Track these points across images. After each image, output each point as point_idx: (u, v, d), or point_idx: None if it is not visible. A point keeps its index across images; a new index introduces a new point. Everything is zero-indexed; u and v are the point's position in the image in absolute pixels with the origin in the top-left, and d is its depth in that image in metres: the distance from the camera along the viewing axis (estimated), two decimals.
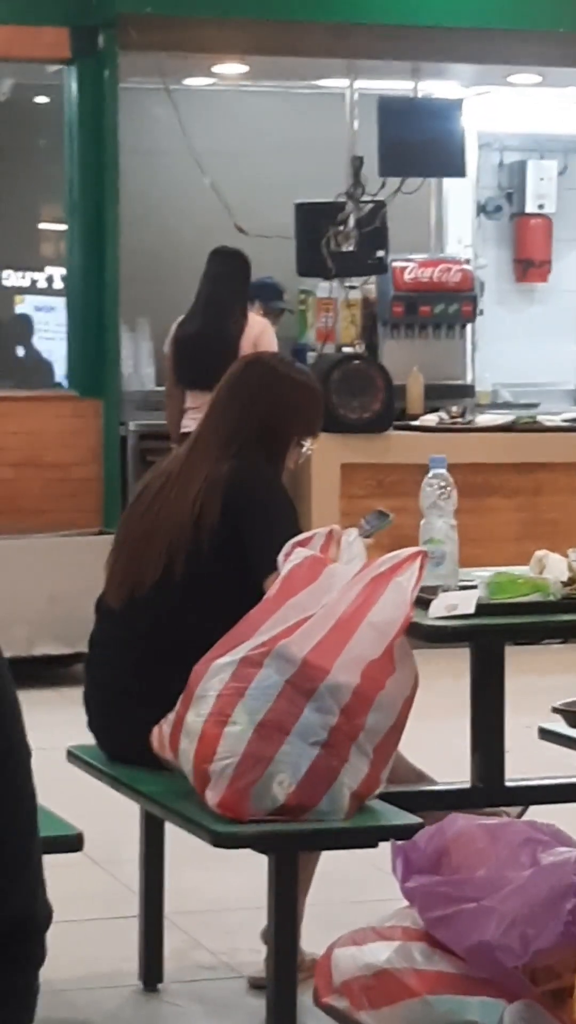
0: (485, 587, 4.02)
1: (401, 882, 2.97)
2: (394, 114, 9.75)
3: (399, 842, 3.07)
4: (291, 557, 3.97)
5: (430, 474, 4.28)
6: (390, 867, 3.05)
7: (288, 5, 9.09)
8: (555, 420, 9.51)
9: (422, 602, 3.90)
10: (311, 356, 9.43)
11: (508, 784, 4.50)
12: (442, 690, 5.20)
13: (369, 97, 9.97)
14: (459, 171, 10.05)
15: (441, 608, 3.96)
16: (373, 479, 8.84)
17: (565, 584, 4.06)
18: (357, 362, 9.13)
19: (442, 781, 4.63)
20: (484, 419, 9.47)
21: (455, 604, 4.01)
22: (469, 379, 10.52)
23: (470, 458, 8.65)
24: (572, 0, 9.36)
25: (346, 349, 9.43)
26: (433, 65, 9.94)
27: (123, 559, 4.18)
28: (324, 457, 8.44)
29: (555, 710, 4.30)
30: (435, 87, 10.22)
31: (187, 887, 4.80)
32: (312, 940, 3.92)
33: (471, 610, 3.97)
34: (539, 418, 9.54)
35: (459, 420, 9.18)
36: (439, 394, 9.72)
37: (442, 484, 4.29)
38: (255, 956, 4.28)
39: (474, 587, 4.08)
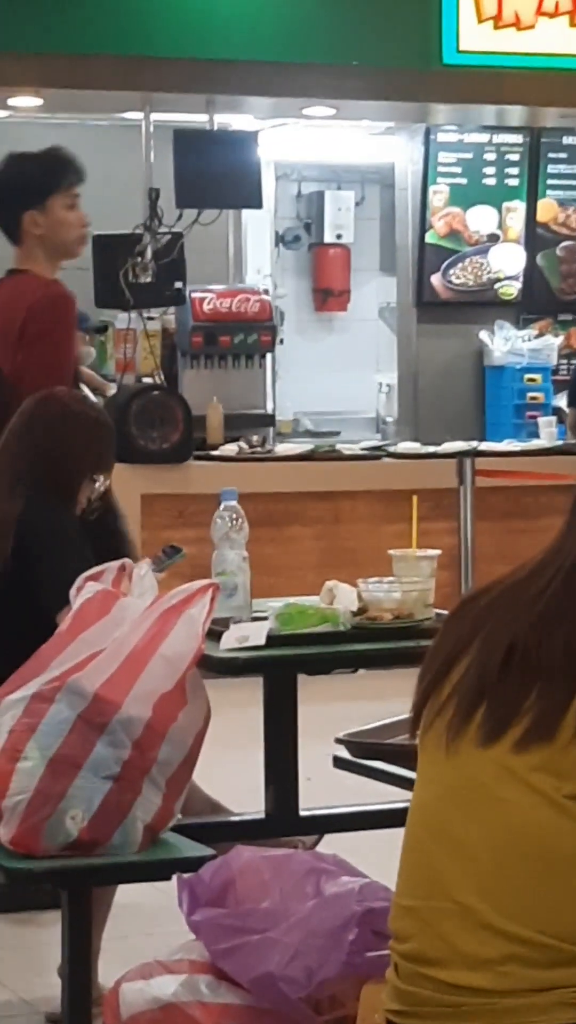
0: (275, 618, 4.00)
1: (187, 915, 2.96)
2: (190, 146, 9.70)
3: (185, 876, 3.06)
4: (83, 591, 3.94)
5: (221, 506, 4.28)
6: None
7: (82, 38, 9.10)
8: (354, 448, 9.55)
9: (214, 634, 3.90)
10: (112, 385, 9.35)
11: (302, 814, 4.49)
12: (237, 720, 5.17)
13: (165, 129, 9.89)
14: (256, 202, 10.07)
15: (232, 640, 3.95)
16: (174, 509, 8.80)
17: (355, 614, 4.06)
18: (156, 392, 9.10)
19: (237, 811, 4.64)
20: (284, 448, 9.46)
21: (246, 636, 4.01)
22: (269, 408, 10.57)
23: (270, 487, 8.75)
24: (364, 35, 9.70)
25: (145, 380, 9.40)
26: (228, 97, 9.95)
27: None
28: (124, 488, 8.39)
29: (338, 740, 4.28)
30: (231, 119, 10.25)
31: None
32: (108, 974, 3.82)
33: (262, 641, 3.98)
34: (339, 446, 9.57)
35: (259, 449, 9.20)
36: (239, 424, 9.73)
37: (233, 516, 4.28)
38: (52, 992, 4.18)
39: (265, 618, 4.06)
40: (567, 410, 9.91)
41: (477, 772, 2.19)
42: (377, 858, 3.10)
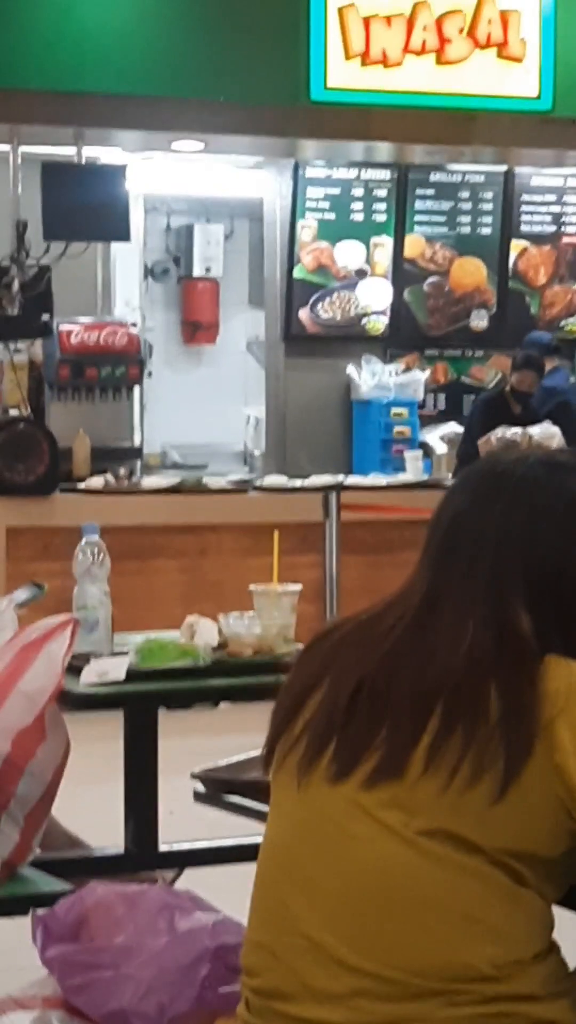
0: (135, 653, 4.01)
1: (40, 951, 2.92)
2: (58, 178, 9.73)
3: (38, 911, 3.03)
4: None
5: (83, 541, 4.28)
6: None
7: None
8: (221, 482, 9.61)
9: (74, 669, 3.91)
10: None
11: (162, 848, 4.50)
12: (97, 755, 5.16)
13: (33, 161, 9.89)
14: (124, 235, 10.15)
15: (92, 675, 3.97)
16: (39, 542, 8.81)
17: (216, 649, 4.07)
18: (22, 425, 9.12)
19: (96, 846, 4.62)
20: (150, 481, 9.51)
21: (106, 671, 4.02)
22: (137, 441, 10.61)
23: (136, 520, 8.83)
24: (233, 70, 9.77)
25: (12, 411, 9.37)
26: (97, 130, 10.02)
27: None
28: None
29: (194, 776, 4.29)
30: (100, 152, 10.29)
31: None
32: None
33: (121, 677, 3.99)
34: (205, 479, 9.64)
35: (125, 482, 9.24)
36: (106, 456, 9.78)
37: (95, 550, 4.27)
38: None
39: (125, 653, 4.09)
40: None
41: (328, 809, 2.20)
42: (236, 893, 2.97)
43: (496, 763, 2.12)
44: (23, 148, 9.91)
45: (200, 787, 4.43)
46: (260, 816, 3.89)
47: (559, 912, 2.19)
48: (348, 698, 2.24)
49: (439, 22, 10.33)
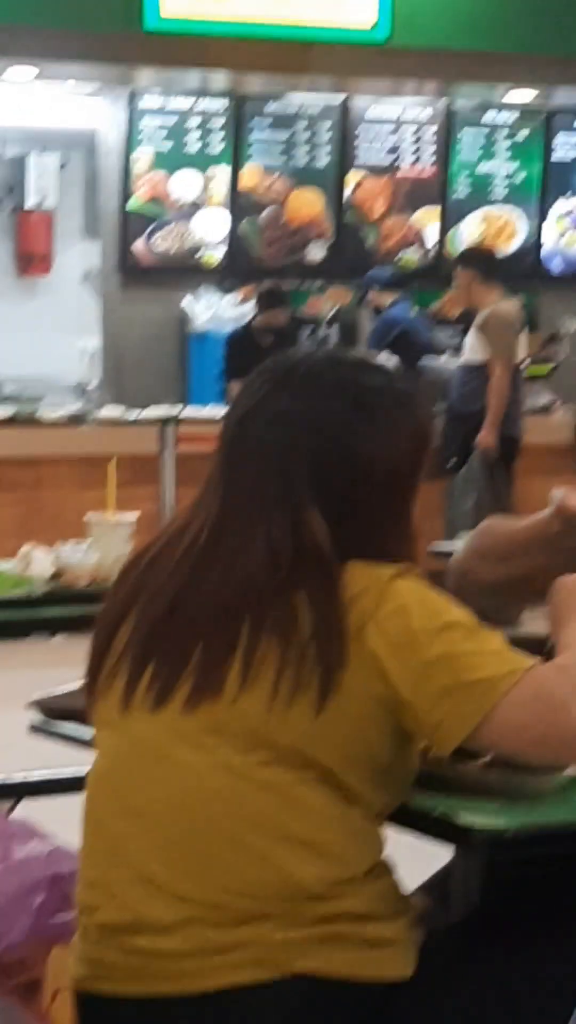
0: None
1: None
2: None
3: None
4: None
5: None
6: None
7: None
8: (57, 414, 9.58)
9: None
10: None
11: None
12: None
13: None
14: None
15: None
16: None
17: (51, 579, 4.07)
18: None
19: None
20: None
21: None
22: None
23: None
24: None
25: None
26: None
27: None
28: None
29: (31, 704, 4.22)
30: None
31: None
32: None
33: None
34: (40, 412, 9.63)
35: None
36: None
37: None
38: None
39: None
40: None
41: (151, 737, 2.22)
42: (72, 824, 3.02)
43: (313, 677, 2.14)
44: None
45: (36, 718, 4.30)
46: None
47: (399, 838, 2.23)
48: (159, 621, 2.25)
49: None
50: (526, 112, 12.69)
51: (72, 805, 3.35)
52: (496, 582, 2.91)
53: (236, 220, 11.69)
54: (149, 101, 11.45)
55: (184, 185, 11.60)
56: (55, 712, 3.90)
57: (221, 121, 11.65)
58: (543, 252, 12.81)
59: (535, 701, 2.14)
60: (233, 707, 2.16)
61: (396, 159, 12.33)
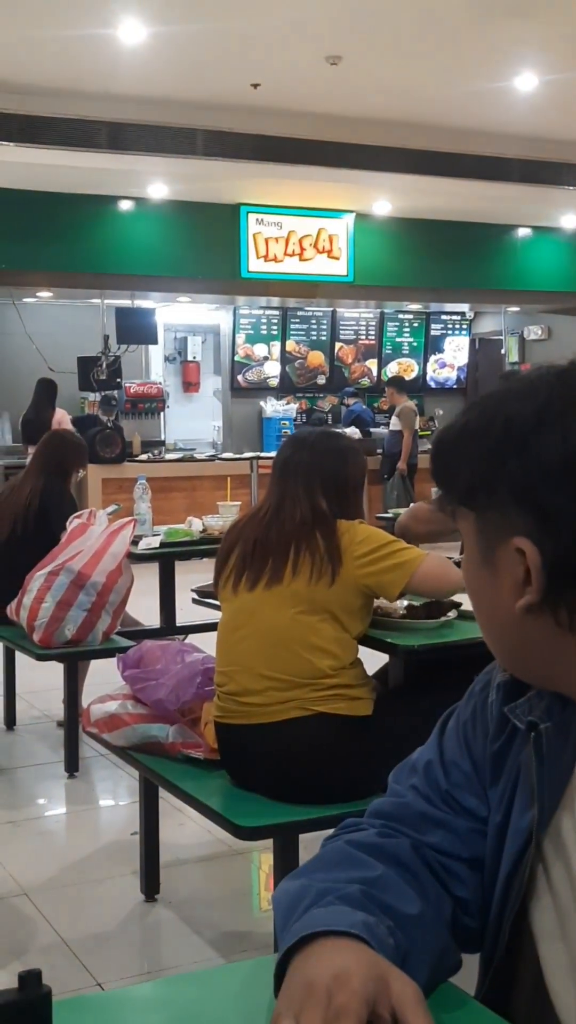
0: (165, 535, 5.30)
1: (121, 672, 3.73)
2: (122, 314, 12.52)
3: (120, 654, 3.84)
4: (71, 522, 5.03)
5: (136, 484, 5.48)
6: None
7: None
8: (202, 456, 11.95)
9: (134, 542, 5.08)
10: None
11: (178, 624, 5.93)
12: (147, 584, 6.01)
13: (110, 307, 12.82)
14: (153, 340, 12.72)
15: (143, 544, 5.28)
16: (115, 486, 11.13)
17: (201, 532, 5.38)
18: (108, 429, 11.37)
19: (147, 624, 5.94)
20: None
21: (151, 543, 5.33)
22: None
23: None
24: (200, 263, 12.28)
25: (103, 419, 11.60)
26: (141, 292, 12.70)
27: None
28: None
29: (193, 589, 4.99)
30: (142, 302, 13.11)
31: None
32: (86, 701, 4.76)
33: (156, 545, 5.33)
34: (194, 454, 11.97)
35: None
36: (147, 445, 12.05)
37: (143, 488, 5.36)
38: (61, 709, 5.39)
39: (159, 535, 5.40)
40: None
41: (248, 604, 3.12)
42: (211, 645, 3.64)
43: (327, 570, 2.99)
44: (107, 300, 13.44)
45: (194, 596, 5.07)
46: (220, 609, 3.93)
47: None
48: (251, 549, 3.10)
49: (300, 241, 13.00)
50: (417, 313, 15.55)
51: (212, 637, 3.83)
52: (420, 532, 3.79)
53: (283, 366, 14.84)
54: (243, 311, 14.64)
55: (259, 349, 14.70)
56: (203, 593, 5.00)
57: (276, 318, 14.89)
58: (427, 378, 15.92)
59: (435, 567, 2.97)
60: (288, 587, 3.02)
61: (356, 336, 15.30)
